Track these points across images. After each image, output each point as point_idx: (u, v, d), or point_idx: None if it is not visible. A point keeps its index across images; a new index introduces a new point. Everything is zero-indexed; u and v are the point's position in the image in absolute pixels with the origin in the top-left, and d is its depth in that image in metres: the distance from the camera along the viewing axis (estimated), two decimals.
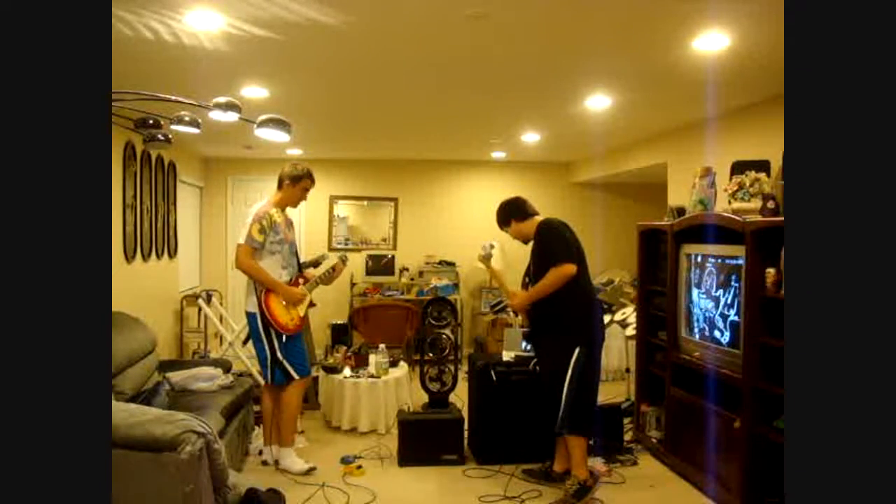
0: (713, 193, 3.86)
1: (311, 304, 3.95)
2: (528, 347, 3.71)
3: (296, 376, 3.79)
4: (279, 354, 3.73)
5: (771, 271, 3.17)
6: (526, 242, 3.75)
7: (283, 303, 3.76)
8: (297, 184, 3.83)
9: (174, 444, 2.21)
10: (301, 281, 3.91)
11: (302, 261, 4.10)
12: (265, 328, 3.71)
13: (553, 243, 3.51)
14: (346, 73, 3.65)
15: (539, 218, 3.69)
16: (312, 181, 3.90)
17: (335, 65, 3.49)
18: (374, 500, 3.52)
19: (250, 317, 3.77)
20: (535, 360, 3.83)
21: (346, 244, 7.78)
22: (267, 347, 3.73)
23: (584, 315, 3.54)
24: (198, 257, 7.44)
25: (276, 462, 3.91)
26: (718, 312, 3.62)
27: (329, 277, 4.01)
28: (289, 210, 3.93)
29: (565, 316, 3.51)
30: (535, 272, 3.59)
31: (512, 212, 3.74)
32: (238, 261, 3.72)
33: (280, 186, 3.86)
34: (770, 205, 3.30)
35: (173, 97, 2.98)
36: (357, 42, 3.06)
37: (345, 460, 3.98)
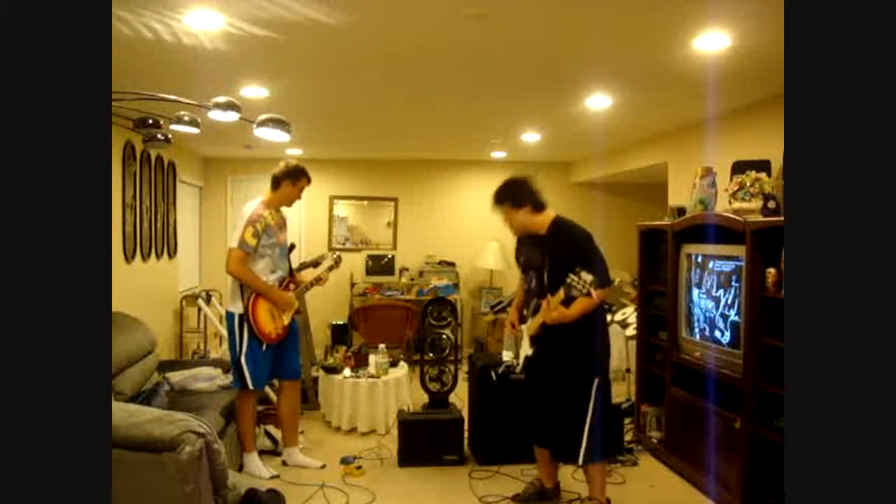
0: (714, 193, 3.86)
1: (297, 312, 3.86)
2: (528, 354, 3.33)
3: (250, 385, 3.67)
4: (242, 358, 3.64)
5: (771, 271, 3.17)
6: (518, 234, 3.32)
7: (271, 310, 3.68)
8: (296, 183, 3.76)
9: (174, 444, 2.21)
10: (292, 287, 3.83)
11: (302, 261, 4.07)
12: (240, 329, 3.64)
13: (597, 260, 3.09)
14: (346, 73, 3.65)
15: (552, 213, 3.24)
16: (309, 179, 3.84)
17: (336, 65, 3.49)
18: (374, 501, 3.52)
19: (229, 316, 3.70)
20: (522, 362, 3.45)
21: (345, 244, 7.78)
22: (237, 348, 3.65)
23: (604, 341, 3.22)
24: (197, 257, 7.44)
25: (284, 462, 3.93)
26: (719, 312, 3.62)
27: (321, 281, 3.97)
28: (283, 208, 3.88)
29: (586, 341, 3.12)
30: (555, 277, 3.03)
31: (526, 196, 3.15)
32: (229, 265, 3.59)
33: (277, 186, 3.75)
34: (770, 205, 3.30)
35: (173, 97, 2.99)
36: (357, 42, 3.06)
37: (345, 461, 3.98)
